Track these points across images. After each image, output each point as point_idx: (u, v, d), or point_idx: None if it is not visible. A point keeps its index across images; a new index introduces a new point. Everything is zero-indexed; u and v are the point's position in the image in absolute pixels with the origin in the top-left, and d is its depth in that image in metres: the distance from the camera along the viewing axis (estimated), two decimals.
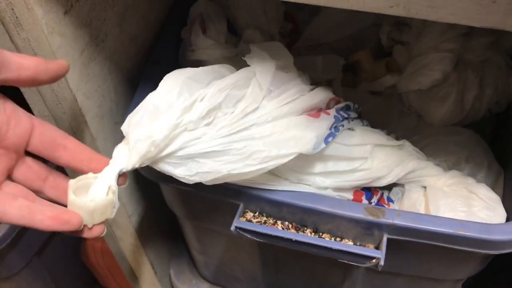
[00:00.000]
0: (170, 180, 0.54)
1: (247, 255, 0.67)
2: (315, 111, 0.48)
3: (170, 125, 0.42)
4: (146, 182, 0.70)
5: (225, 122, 0.44)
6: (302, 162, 0.49)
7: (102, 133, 0.58)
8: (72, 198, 0.41)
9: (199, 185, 0.52)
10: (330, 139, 0.47)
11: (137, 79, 0.61)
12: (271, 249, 0.63)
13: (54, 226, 0.39)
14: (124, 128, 0.44)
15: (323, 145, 0.47)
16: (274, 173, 0.49)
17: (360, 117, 0.54)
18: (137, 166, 0.43)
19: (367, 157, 0.50)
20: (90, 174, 0.42)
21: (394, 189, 0.57)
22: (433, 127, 0.65)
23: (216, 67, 0.48)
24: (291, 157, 0.45)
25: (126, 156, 0.43)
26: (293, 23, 0.69)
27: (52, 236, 0.98)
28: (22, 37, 0.46)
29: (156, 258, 0.81)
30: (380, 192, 0.55)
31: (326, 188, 0.51)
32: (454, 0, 0.40)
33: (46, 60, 0.40)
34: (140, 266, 0.80)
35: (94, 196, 0.41)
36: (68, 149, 0.43)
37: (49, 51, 0.47)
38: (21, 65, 0.38)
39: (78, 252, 1.04)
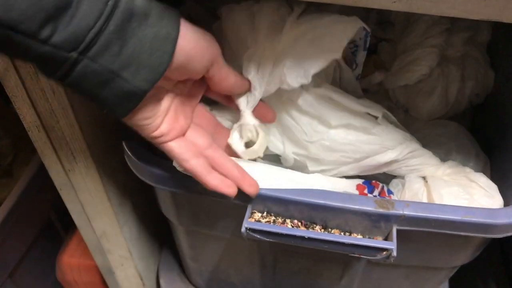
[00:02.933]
0: (169, 183, 0.53)
1: (245, 258, 0.66)
2: None
3: None
4: (137, 189, 0.69)
5: None
6: (320, 110, 0.52)
7: (97, 141, 0.56)
8: (242, 152, 0.49)
9: (203, 189, 0.52)
10: None
11: None
12: (271, 250, 0.62)
13: (218, 188, 0.46)
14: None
15: None
16: (291, 130, 0.53)
17: None
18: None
19: (378, 118, 0.53)
20: (235, 125, 0.50)
21: (394, 181, 0.58)
22: (420, 121, 0.67)
23: None
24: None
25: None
26: None
27: (25, 256, 0.94)
28: None
29: (144, 269, 0.79)
30: (380, 185, 0.56)
31: (340, 146, 0.53)
32: None
33: (242, 78, 0.47)
34: (128, 278, 0.78)
35: (254, 143, 0.49)
36: None
37: None
38: (228, 74, 0.44)
39: (53, 270, 1.00)
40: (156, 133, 0.42)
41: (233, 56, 0.50)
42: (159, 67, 0.36)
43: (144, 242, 0.77)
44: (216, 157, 0.47)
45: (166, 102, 0.43)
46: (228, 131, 0.51)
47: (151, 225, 0.78)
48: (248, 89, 0.48)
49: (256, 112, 0.49)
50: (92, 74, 0.34)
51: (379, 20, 0.68)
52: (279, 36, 0.48)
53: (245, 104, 0.49)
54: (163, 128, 0.43)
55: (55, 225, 1.01)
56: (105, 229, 0.67)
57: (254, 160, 0.50)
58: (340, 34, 0.47)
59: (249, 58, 0.48)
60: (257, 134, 0.49)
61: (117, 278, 0.77)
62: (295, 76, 0.47)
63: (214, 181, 0.46)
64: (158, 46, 0.36)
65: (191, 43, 0.38)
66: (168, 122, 0.43)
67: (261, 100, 0.49)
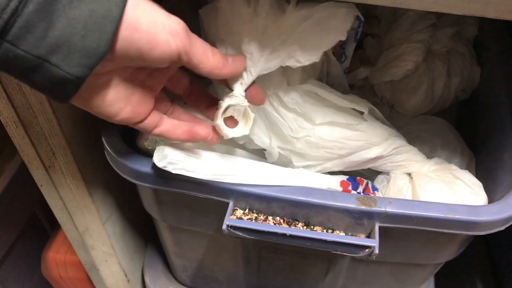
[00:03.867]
0: (150, 180, 0.52)
1: (229, 255, 0.66)
2: None
3: None
4: (120, 186, 0.68)
5: None
6: (306, 107, 0.51)
7: (76, 137, 0.55)
8: (226, 133, 0.47)
9: (185, 185, 0.51)
10: None
11: None
12: (255, 247, 0.62)
13: (192, 139, 0.46)
14: None
15: None
16: (277, 125, 0.52)
17: None
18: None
19: (364, 113, 0.52)
20: (222, 104, 0.46)
21: (379, 177, 0.58)
22: (405, 117, 0.67)
23: None
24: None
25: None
26: None
27: (10, 252, 0.93)
28: None
29: (129, 265, 0.79)
30: (365, 181, 0.56)
31: (325, 143, 0.52)
32: None
33: (224, 58, 0.42)
34: (112, 275, 0.77)
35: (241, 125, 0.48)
36: None
37: None
38: (202, 59, 0.40)
39: (39, 266, 0.99)
40: (117, 119, 0.40)
41: (230, 36, 0.47)
42: (96, 51, 0.32)
43: (128, 238, 0.76)
44: (179, 115, 0.47)
45: (125, 87, 0.39)
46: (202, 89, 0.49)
47: (135, 221, 0.77)
48: (236, 70, 0.44)
49: (246, 93, 0.47)
50: (17, 60, 0.31)
51: (365, 15, 0.67)
52: (281, 17, 0.46)
53: (238, 83, 0.46)
54: (124, 115, 0.39)
55: (40, 221, 1.00)
56: (88, 225, 0.66)
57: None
58: (342, 17, 0.46)
59: (249, 33, 0.46)
60: (247, 115, 0.47)
61: (101, 274, 0.76)
62: (305, 53, 0.46)
63: (184, 136, 0.45)
64: (94, 26, 0.31)
65: (144, 24, 0.34)
66: (131, 109, 0.40)
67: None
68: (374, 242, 0.48)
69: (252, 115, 0.47)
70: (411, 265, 0.61)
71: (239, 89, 0.46)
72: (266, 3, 0.46)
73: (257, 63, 0.46)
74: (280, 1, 0.47)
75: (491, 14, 0.42)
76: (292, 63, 0.46)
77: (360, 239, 0.49)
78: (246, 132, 0.48)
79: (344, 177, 0.56)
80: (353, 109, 0.55)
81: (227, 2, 0.47)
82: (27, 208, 0.96)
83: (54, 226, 0.99)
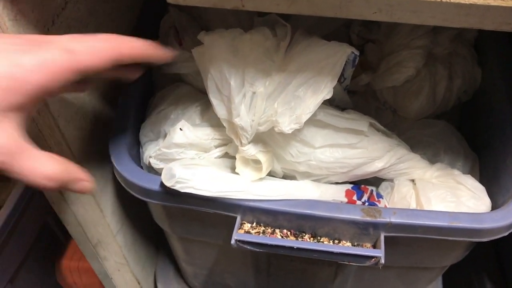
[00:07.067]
0: (159, 198, 0.53)
1: (239, 262, 0.67)
2: None
3: None
4: (129, 198, 0.69)
5: None
6: (304, 133, 0.52)
7: (86, 156, 0.57)
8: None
9: (193, 201, 0.52)
10: None
11: (115, 97, 0.60)
12: (264, 254, 0.63)
13: None
14: None
15: None
16: (278, 152, 0.53)
17: None
18: None
19: (364, 131, 0.52)
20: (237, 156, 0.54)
21: (383, 184, 0.58)
22: (408, 121, 0.67)
23: None
24: None
25: None
26: None
27: (25, 261, 0.95)
28: None
29: (141, 273, 0.80)
30: (369, 189, 0.57)
31: (327, 164, 0.52)
32: (434, 5, 0.41)
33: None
34: (126, 283, 0.79)
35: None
36: None
37: None
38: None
39: (53, 274, 1.01)
40: None
41: (217, 91, 0.50)
42: None
43: (139, 247, 0.78)
44: None
45: None
46: None
47: (146, 230, 0.78)
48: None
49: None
50: None
51: (365, 21, 0.68)
52: (268, 78, 0.48)
53: (240, 144, 0.51)
54: None
55: (53, 229, 1.02)
56: (100, 238, 0.68)
57: None
58: (330, 70, 0.48)
59: (240, 100, 0.48)
60: (263, 157, 0.51)
61: (114, 282, 0.78)
62: (288, 122, 0.48)
63: None
64: None
65: None
66: None
67: None
68: (379, 253, 0.49)
69: (263, 159, 0.51)
70: (417, 269, 0.62)
71: (243, 147, 0.51)
72: (251, 57, 0.48)
73: (251, 126, 0.49)
74: (268, 44, 0.49)
75: (488, 26, 0.42)
76: (276, 130, 0.49)
77: (365, 250, 0.50)
78: (263, 175, 0.52)
79: (349, 186, 0.57)
80: None
81: (211, 52, 0.49)
82: (39, 217, 0.97)
83: (67, 234, 1.01)
